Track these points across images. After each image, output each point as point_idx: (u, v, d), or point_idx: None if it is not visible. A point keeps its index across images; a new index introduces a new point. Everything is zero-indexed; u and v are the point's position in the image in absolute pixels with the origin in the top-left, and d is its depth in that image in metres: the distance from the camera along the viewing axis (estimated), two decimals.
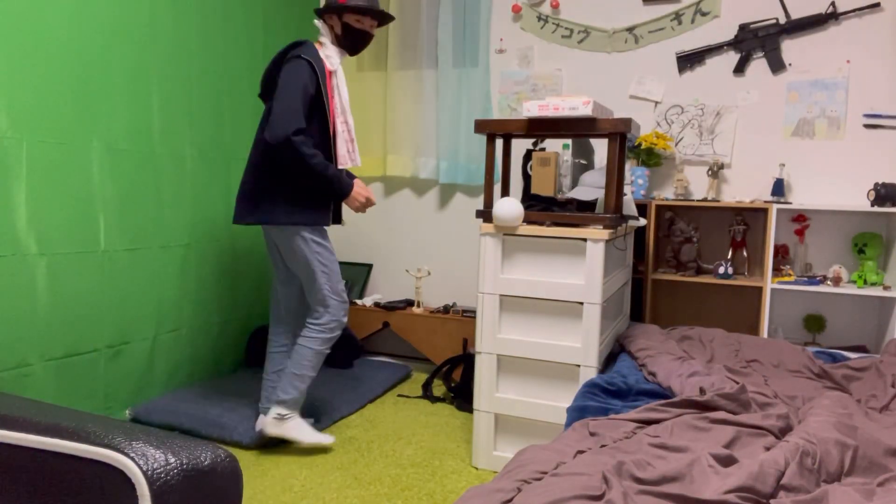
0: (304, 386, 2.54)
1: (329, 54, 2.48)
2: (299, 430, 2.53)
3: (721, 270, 3.02)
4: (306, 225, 2.49)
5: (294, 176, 2.45)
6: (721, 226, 3.25)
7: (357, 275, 4.01)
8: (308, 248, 2.51)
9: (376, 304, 3.75)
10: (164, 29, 2.88)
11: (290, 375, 2.53)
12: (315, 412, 2.88)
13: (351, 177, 2.61)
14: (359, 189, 2.52)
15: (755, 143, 3.20)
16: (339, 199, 2.53)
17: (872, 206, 2.83)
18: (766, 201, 3.01)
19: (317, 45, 2.50)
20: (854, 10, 3.00)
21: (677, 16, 3.28)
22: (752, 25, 3.16)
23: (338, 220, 2.67)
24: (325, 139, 2.48)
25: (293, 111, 2.33)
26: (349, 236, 4.07)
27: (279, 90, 2.37)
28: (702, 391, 1.86)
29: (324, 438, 2.57)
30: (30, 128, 2.35)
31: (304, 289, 2.63)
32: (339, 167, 2.48)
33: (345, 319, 2.58)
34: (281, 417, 2.51)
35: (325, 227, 2.55)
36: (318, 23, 2.53)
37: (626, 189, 3.20)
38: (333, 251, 2.59)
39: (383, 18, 2.54)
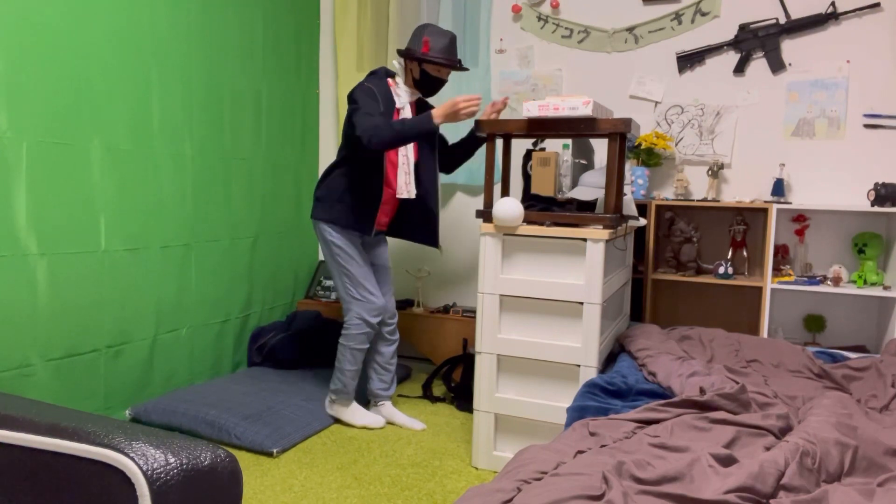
0: (345, 377, 2.81)
1: (400, 93, 2.71)
2: (350, 414, 2.87)
3: (721, 270, 3.02)
4: (328, 222, 2.72)
5: (354, 176, 2.70)
6: (721, 226, 3.25)
7: None
8: (328, 247, 2.75)
9: None
10: (164, 29, 2.88)
11: (334, 369, 2.86)
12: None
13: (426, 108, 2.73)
14: (445, 107, 2.49)
15: (755, 143, 3.20)
16: (430, 136, 2.55)
17: (872, 206, 2.83)
18: (766, 201, 3.01)
19: (390, 82, 2.72)
20: (854, 10, 3.00)
21: (677, 16, 3.28)
22: (752, 25, 3.16)
23: (432, 242, 2.88)
24: (380, 165, 2.69)
25: (367, 116, 2.53)
26: None
27: (352, 108, 2.59)
28: (702, 391, 1.86)
29: (372, 422, 2.85)
30: (30, 128, 2.35)
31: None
32: (397, 196, 2.71)
33: (371, 319, 2.77)
34: (332, 401, 2.89)
35: (364, 235, 2.77)
36: (396, 63, 2.74)
37: (626, 189, 3.20)
38: (361, 259, 2.75)
39: (459, 69, 2.72)
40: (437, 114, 2.49)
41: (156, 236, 2.89)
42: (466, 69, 2.78)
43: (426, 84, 2.72)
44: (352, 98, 2.61)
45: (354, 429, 2.86)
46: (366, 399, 3.04)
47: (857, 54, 3.02)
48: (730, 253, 3.17)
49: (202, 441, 1.33)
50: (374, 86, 2.63)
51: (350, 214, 2.72)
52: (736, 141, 3.23)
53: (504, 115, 3.62)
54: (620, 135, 2.33)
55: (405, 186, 2.70)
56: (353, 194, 2.71)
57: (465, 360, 3.33)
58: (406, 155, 2.70)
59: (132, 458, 1.20)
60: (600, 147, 3.40)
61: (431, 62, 2.64)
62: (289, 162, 3.77)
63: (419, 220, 2.87)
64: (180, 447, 1.27)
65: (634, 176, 3.22)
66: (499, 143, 3.65)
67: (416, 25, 3.69)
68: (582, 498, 1.20)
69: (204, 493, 1.26)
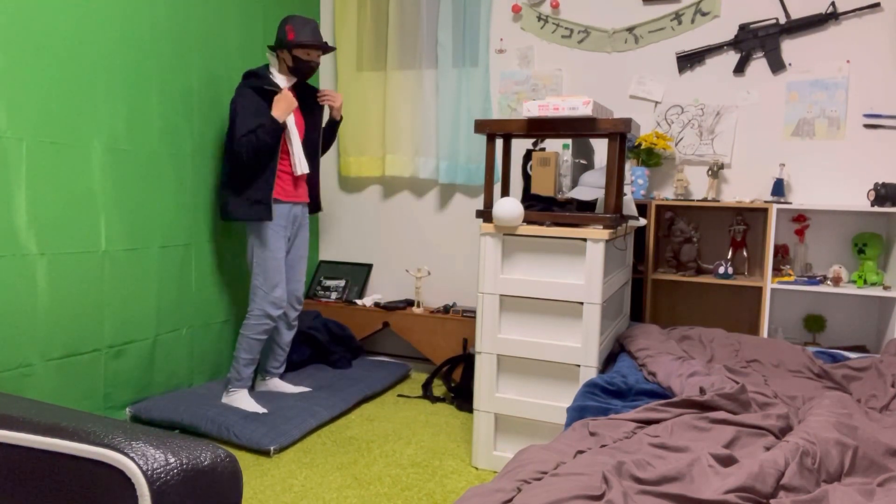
0: (239, 365, 2.90)
1: (277, 82, 2.90)
2: (240, 401, 2.88)
3: (721, 270, 3.02)
4: (250, 220, 2.86)
5: (249, 172, 2.85)
6: (721, 226, 3.25)
7: (357, 275, 4.01)
8: (257, 237, 2.89)
9: (376, 304, 3.75)
10: (164, 29, 2.88)
11: (233, 358, 2.98)
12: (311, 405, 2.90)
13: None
14: (276, 107, 2.80)
15: (755, 143, 3.20)
16: (278, 130, 2.78)
17: (872, 206, 2.83)
18: (766, 201, 3.01)
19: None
20: (854, 10, 3.00)
21: (677, 16, 3.28)
22: (752, 25, 3.16)
23: (315, 208, 3.15)
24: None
25: (244, 125, 2.78)
26: (349, 236, 4.07)
27: (234, 112, 2.81)
28: (702, 391, 1.86)
29: (255, 409, 2.84)
30: (30, 128, 2.35)
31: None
32: (297, 174, 2.92)
33: (272, 311, 2.90)
34: (227, 391, 2.93)
35: (270, 224, 2.88)
36: (269, 55, 2.96)
37: (626, 189, 3.20)
38: (274, 248, 2.88)
39: (327, 49, 2.94)
40: (275, 113, 2.77)
41: (156, 236, 2.89)
42: (333, 48, 2.98)
43: (300, 69, 2.92)
44: (233, 103, 2.83)
45: (354, 429, 2.87)
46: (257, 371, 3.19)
47: (857, 54, 3.02)
48: (730, 253, 3.17)
49: (202, 441, 1.33)
50: (253, 86, 2.82)
51: (260, 206, 2.83)
52: (736, 141, 3.23)
53: (504, 116, 3.63)
54: (620, 135, 2.33)
55: (298, 164, 2.91)
56: (257, 178, 2.83)
57: (465, 360, 3.33)
58: (289, 137, 2.88)
59: (132, 458, 1.20)
60: (600, 147, 3.40)
61: (301, 46, 2.84)
62: None
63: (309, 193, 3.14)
64: (180, 447, 1.27)
65: (634, 176, 3.22)
66: (499, 143, 3.65)
67: (417, 26, 3.70)
68: (582, 498, 1.20)
69: (204, 493, 1.26)
